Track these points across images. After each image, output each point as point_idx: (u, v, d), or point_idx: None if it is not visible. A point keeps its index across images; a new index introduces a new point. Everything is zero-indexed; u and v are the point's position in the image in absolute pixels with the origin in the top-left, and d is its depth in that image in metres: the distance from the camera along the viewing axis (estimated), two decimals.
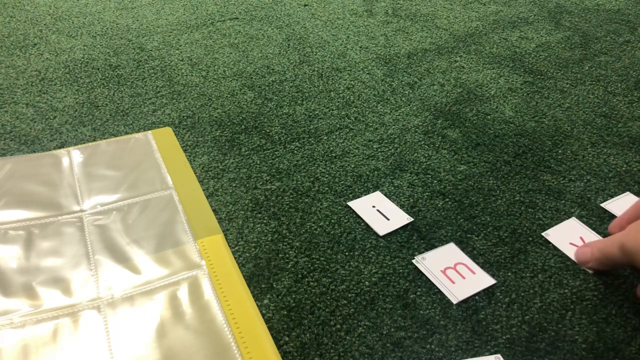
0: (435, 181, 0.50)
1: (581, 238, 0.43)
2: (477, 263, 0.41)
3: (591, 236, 0.44)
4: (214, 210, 0.46)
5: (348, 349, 0.35)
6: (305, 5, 0.91)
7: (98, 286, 0.39)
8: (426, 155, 0.54)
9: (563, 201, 0.48)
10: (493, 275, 0.40)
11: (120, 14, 0.85)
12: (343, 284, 0.40)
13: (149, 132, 0.56)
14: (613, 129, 0.58)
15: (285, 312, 0.38)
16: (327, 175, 0.51)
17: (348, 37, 0.79)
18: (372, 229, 0.44)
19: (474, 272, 0.40)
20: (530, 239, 0.44)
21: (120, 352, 0.34)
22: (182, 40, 0.77)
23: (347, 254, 0.42)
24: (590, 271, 0.41)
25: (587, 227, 0.45)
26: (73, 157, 0.52)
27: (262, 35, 0.79)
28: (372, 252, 0.42)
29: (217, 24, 0.83)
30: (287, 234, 0.44)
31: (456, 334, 0.36)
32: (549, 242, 0.43)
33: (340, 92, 0.65)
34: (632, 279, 0.40)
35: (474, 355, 0.35)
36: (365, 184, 0.50)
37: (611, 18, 0.87)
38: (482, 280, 0.40)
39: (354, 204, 0.47)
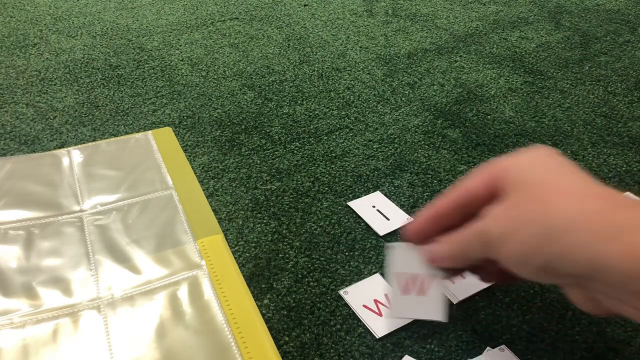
0: (435, 181, 0.50)
1: (386, 295, 0.38)
2: None
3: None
4: (214, 210, 0.46)
5: (348, 349, 0.35)
6: (305, 5, 0.91)
7: (98, 286, 0.39)
8: (426, 155, 0.54)
9: None
10: None
11: (120, 14, 0.85)
12: (343, 284, 0.40)
13: (149, 132, 0.56)
14: (613, 129, 0.58)
15: (285, 312, 0.38)
16: (327, 175, 0.51)
17: (348, 37, 0.79)
18: (372, 229, 0.44)
19: None
20: None
21: (120, 352, 0.34)
22: (182, 40, 0.77)
23: (347, 254, 0.42)
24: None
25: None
26: (73, 157, 0.52)
27: (262, 35, 0.79)
28: (372, 252, 0.42)
29: (217, 24, 0.83)
30: (287, 234, 0.44)
31: (456, 333, 0.36)
32: None
33: (340, 92, 0.65)
34: None
35: (475, 355, 0.35)
36: (365, 184, 0.50)
37: (611, 18, 0.87)
38: None
39: (354, 204, 0.47)
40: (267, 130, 0.57)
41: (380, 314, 0.37)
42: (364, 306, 0.37)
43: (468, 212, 0.31)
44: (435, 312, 0.33)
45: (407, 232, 0.34)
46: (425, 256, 0.33)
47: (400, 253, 0.34)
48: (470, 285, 0.39)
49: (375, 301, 0.38)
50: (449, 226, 0.32)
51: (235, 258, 0.42)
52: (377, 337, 0.35)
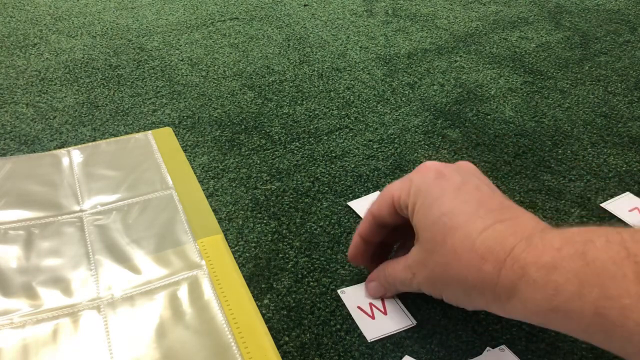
0: None
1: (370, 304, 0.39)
2: None
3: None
4: (214, 210, 0.46)
5: (348, 349, 0.35)
6: (305, 5, 0.91)
7: (98, 286, 0.39)
8: (426, 155, 0.54)
9: (563, 201, 0.48)
10: None
11: (120, 14, 0.85)
12: (343, 284, 0.40)
13: (149, 132, 0.56)
14: (613, 129, 0.58)
15: (285, 312, 0.38)
16: (327, 175, 0.51)
17: (348, 37, 0.79)
18: None
19: None
20: None
21: (120, 352, 0.34)
22: (182, 40, 0.77)
23: (347, 254, 0.42)
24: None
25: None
26: (73, 157, 0.52)
27: (262, 35, 0.79)
28: None
29: (217, 24, 0.83)
30: (287, 234, 0.44)
31: (456, 334, 0.36)
32: None
33: (340, 92, 0.65)
34: None
35: (475, 355, 0.35)
36: (365, 184, 0.50)
37: (611, 18, 0.87)
38: None
39: (354, 204, 0.47)
40: (267, 130, 0.57)
41: (373, 317, 0.37)
42: (359, 308, 0.38)
43: (389, 227, 0.37)
44: (403, 321, 0.37)
45: (349, 258, 0.39)
46: (367, 293, 0.39)
47: (353, 294, 0.39)
48: None
49: (370, 304, 0.38)
50: (383, 240, 0.38)
51: (235, 258, 0.42)
52: (368, 341, 0.36)
